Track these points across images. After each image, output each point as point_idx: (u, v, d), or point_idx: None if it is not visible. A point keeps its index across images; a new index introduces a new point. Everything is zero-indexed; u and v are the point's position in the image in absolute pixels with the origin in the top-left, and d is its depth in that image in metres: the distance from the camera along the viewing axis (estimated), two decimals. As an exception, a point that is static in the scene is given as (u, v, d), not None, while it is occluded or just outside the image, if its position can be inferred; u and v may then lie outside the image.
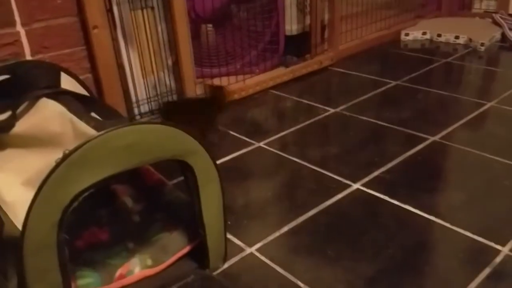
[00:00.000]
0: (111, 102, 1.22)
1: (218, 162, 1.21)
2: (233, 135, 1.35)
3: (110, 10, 1.20)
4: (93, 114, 0.80)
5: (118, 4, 1.22)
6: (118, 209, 0.90)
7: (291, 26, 1.81)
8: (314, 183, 1.09)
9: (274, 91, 1.65)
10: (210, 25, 1.72)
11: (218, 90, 1.41)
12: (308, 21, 1.80)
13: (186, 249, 0.81)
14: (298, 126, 1.38)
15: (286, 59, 1.76)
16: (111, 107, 0.89)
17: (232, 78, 1.62)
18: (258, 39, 1.72)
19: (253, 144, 1.29)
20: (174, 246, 0.81)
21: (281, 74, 1.72)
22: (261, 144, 1.28)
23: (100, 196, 0.82)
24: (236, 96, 1.58)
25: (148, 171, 0.95)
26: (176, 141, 0.66)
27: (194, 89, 1.44)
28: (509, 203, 0.96)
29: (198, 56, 1.60)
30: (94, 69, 1.22)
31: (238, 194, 1.06)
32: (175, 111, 1.33)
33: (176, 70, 1.38)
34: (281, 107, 1.55)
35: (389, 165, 1.13)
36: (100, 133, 0.62)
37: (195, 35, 1.67)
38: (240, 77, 1.64)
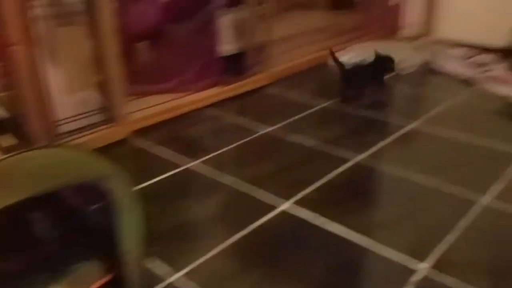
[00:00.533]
0: (32, 121, 1.16)
1: (148, 183, 1.18)
2: (166, 154, 1.33)
3: (32, 27, 1.15)
4: (6, 136, 0.75)
5: (43, 20, 1.17)
6: (34, 236, 0.85)
7: (228, 46, 1.83)
8: (245, 203, 1.09)
9: (209, 110, 1.65)
10: (145, 42, 1.70)
11: (385, 57, 1.73)
12: (244, 41, 1.83)
13: (104, 279, 0.78)
14: (232, 145, 1.38)
15: (223, 78, 1.77)
16: (28, 128, 0.85)
17: (168, 96, 1.60)
18: (195, 58, 1.72)
19: (186, 163, 1.27)
20: (92, 275, 0.77)
21: (217, 93, 1.73)
22: (194, 163, 1.27)
23: (14, 221, 0.77)
24: (169, 115, 1.56)
25: (67, 195, 0.91)
26: (90, 166, 0.64)
27: (123, 107, 1.41)
28: (431, 221, 1.02)
29: (132, 73, 1.57)
30: (14, 86, 1.16)
31: (168, 216, 1.04)
32: (354, 75, 1.72)
33: (105, 87, 1.35)
34: (216, 126, 1.55)
35: (316, 185, 1.16)
36: (8, 155, 0.58)
37: (130, 52, 1.64)
38: (175, 95, 1.62)
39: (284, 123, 1.53)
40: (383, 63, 1.73)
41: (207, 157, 1.31)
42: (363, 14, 2.48)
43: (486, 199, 1.07)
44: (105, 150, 1.36)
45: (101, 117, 1.38)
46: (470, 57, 2.03)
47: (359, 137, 1.43)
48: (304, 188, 1.14)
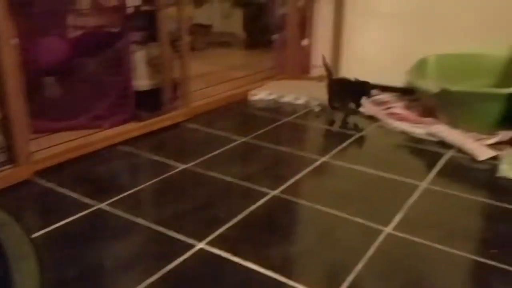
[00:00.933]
0: None
1: (54, 226, 1.10)
2: (73, 196, 1.25)
3: None
4: None
5: None
6: None
7: (142, 82, 1.81)
8: (157, 245, 1.05)
9: (123, 147, 1.60)
10: (53, 77, 1.62)
11: (364, 82, 1.94)
12: (160, 77, 1.82)
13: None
14: (146, 184, 1.34)
15: (137, 114, 1.74)
16: None
17: (76, 133, 1.53)
18: (106, 93, 1.67)
19: (94, 205, 1.21)
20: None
21: (131, 129, 1.68)
22: (104, 205, 1.21)
23: None
24: (78, 153, 1.49)
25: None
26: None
27: (26, 146, 1.31)
28: (340, 254, 1.05)
29: (38, 110, 1.48)
30: None
31: (73, 263, 0.97)
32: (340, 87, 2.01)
33: (6, 125, 1.25)
34: (129, 164, 1.50)
35: (234, 221, 1.16)
36: None
37: (36, 88, 1.55)
38: (85, 132, 1.55)
39: (202, 159, 1.53)
40: (363, 87, 1.95)
41: (120, 196, 1.26)
42: (277, 53, 2.60)
43: (390, 229, 1.14)
44: (6, 193, 1.25)
45: (2, 157, 1.27)
46: (373, 96, 2.21)
47: (275, 171, 1.46)
48: (221, 225, 1.13)
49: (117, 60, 1.65)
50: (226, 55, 2.25)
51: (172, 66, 1.87)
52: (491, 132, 1.70)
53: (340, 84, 2.03)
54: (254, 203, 1.25)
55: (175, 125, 1.84)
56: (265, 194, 1.30)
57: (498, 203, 1.27)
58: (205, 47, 3.21)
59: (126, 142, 1.63)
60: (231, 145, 1.67)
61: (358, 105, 2.01)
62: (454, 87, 1.70)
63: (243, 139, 1.72)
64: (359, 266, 0.99)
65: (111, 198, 1.24)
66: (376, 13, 2.27)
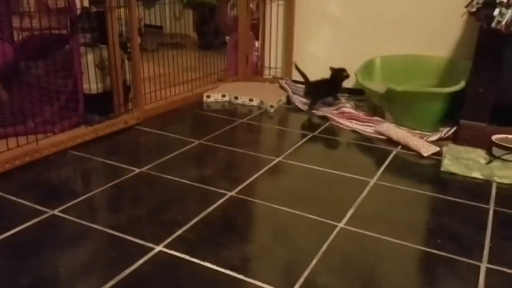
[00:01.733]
0: None
1: (3, 236, 1.06)
2: (24, 203, 1.21)
3: None
4: None
5: None
6: None
7: (92, 85, 1.77)
8: (114, 250, 1.04)
9: (74, 152, 1.56)
10: (-3, 81, 1.55)
11: (338, 71, 2.09)
12: (110, 80, 1.79)
13: None
14: (100, 189, 1.32)
15: (88, 118, 1.70)
16: None
17: (23, 139, 1.47)
18: (54, 97, 1.62)
19: (46, 212, 1.17)
20: None
21: (82, 133, 1.64)
22: (56, 211, 1.18)
23: None
24: (27, 159, 1.43)
25: None
26: None
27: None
28: (296, 250, 1.09)
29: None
30: None
31: (25, 273, 0.94)
32: (316, 86, 2.13)
33: None
34: (82, 169, 1.46)
35: (191, 223, 1.16)
36: None
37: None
38: (33, 137, 1.50)
39: (157, 162, 1.52)
40: (339, 74, 2.09)
41: (73, 202, 1.23)
42: (230, 55, 2.62)
43: (342, 224, 1.19)
44: None
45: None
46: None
47: (232, 172, 1.48)
48: (179, 228, 1.13)
49: (66, 63, 1.60)
50: (179, 56, 2.23)
51: (123, 68, 1.84)
52: (434, 129, 1.80)
53: (317, 86, 2.12)
54: (211, 204, 1.26)
55: (128, 129, 1.81)
56: (221, 196, 1.31)
57: (441, 196, 1.36)
58: (156, 49, 3.17)
59: (78, 147, 1.59)
60: (186, 147, 1.67)
61: (336, 98, 2.18)
62: (399, 87, 1.79)
63: (198, 141, 1.73)
64: (314, 261, 1.03)
65: (64, 205, 1.21)
66: (325, 16, 2.35)
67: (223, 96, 2.27)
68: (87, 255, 1.02)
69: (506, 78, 1.56)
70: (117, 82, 1.79)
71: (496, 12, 1.47)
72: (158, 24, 4.13)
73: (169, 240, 1.08)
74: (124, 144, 1.70)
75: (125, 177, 1.40)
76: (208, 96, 2.25)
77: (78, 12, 1.65)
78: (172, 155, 1.59)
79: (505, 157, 1.53)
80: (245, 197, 1.32)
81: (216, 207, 1.25)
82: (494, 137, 1.58)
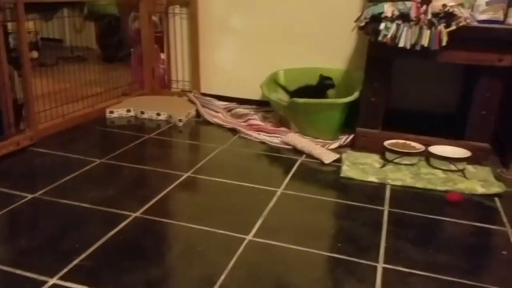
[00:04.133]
0: None
1: None
2: None
3: None
4: None
5: None
6: None
7: (-23, 105, 1.61)
8: (8, 284, 0.94)
9: (-45, 180, 1.40)
10: None
11: (324, 79, 2.06)
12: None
13: None
14: (-14, 220, 1.19)
15: (-28, 142, 1.53)
16: None
17: None
18: None
19: None
20: None
21: (-35, 159, 1.48)
22: None
23: None
24: None
25: None
26: None
27: None
28: (205, 268, 1.07)
29: None
30: None
31: None
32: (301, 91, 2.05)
33: None
34: (-37, 199, 1.31)
35: (90, 249, 1.09)
36: None
37: None
38: None
39: (53, 185, 1.41)
40: (326, 82, 2.06)
41: (-49, 238, 1.09)
42: (135, 68, 2.54)
43: (250, 236, 1.20)
44: None
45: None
46: (232, 109, 2.30)
47: (137, 191, 1.42)
48: (76, 256, 1.06)
49: None
50: (80, 70, 2.11)
51: (14, 85, 1.70)
52: (334, 137, 1.90)
53: (301, 93, 2.03)
54: (114, 227, 1.20)
55: (21, 151, 1.67)
56: (126, 217, 1.26)
57: (342, 201, 1.43)
58: (55, 63, 2.98)
59: (-41, 174, 1.43)
60: (87, 167, 1.57)
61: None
62: (300, 100, 1.86)
63: (100, 160, 1.64)
64: (222, 277, 1.02)
65: None
66: (228, 29, 2.37)
67: (128, 111, 2.19)
68: (-32, 297, 0.91)
69: (394, 87, 1.70)
70: (6, 100, 1.64)
71: (382, 26, 1.59)
72: (58, 37, 3.90)
73: (64, 270, 1.00)
74: (15, 167, 1.56)
75: (15, 204, 1.29)
76: (112, 112, 2.16)
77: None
78: (70, 177, 1.49)
79: (397, 160, 1.66)
80: (151, 217, 1.27)
81: (120, 230, 1.19)
82: (386, 143, 1.71)
